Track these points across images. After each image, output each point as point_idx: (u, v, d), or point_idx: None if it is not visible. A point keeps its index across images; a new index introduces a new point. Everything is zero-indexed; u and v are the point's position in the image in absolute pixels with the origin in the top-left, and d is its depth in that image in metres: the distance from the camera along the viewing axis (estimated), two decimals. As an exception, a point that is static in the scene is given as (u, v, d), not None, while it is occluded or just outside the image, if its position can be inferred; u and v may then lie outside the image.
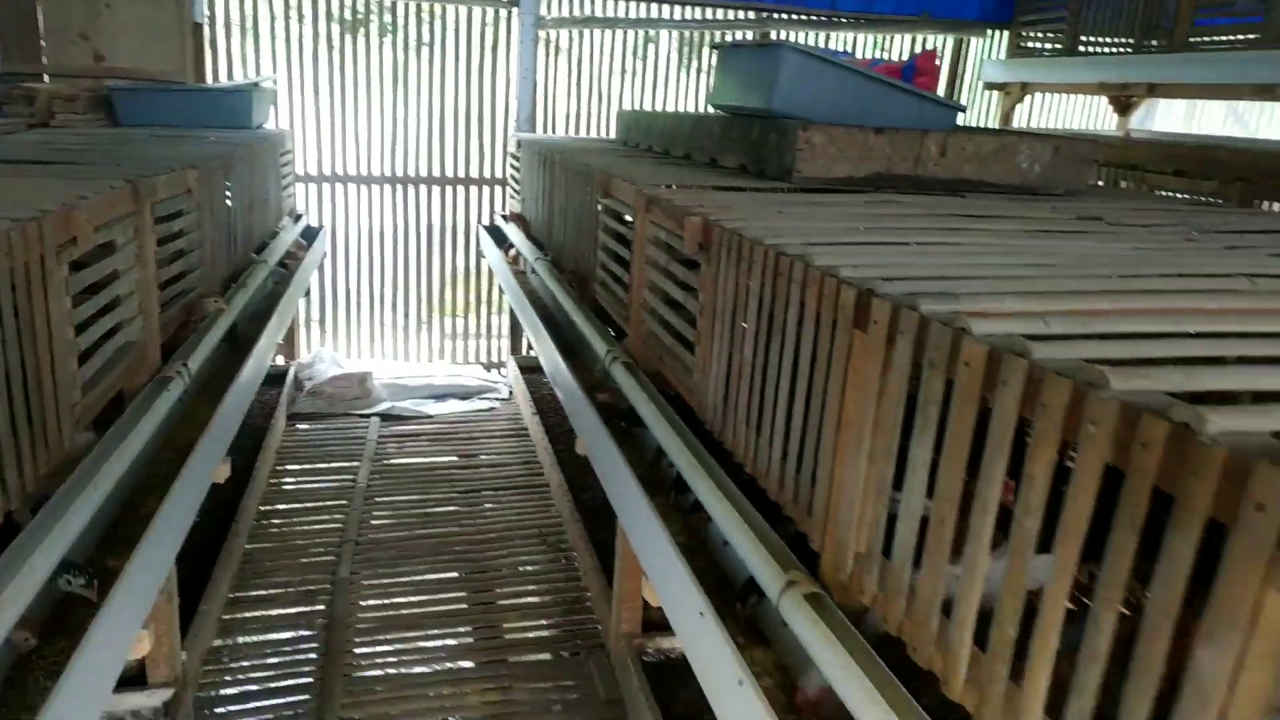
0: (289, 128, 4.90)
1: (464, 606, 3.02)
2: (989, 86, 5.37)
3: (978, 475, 0.98)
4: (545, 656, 2.76)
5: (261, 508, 3.59)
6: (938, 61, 2.76)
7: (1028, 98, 5.52)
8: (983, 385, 0.96)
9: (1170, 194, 3.97)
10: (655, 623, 2.37)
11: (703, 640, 1.39)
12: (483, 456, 4.18)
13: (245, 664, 2.69)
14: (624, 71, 5.43)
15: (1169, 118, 6.53)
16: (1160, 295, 1.20)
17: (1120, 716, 0.77)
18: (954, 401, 1.01)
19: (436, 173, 5.33)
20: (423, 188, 5.34)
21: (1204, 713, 0.69)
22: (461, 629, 2.90)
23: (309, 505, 3.67)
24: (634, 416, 2.14)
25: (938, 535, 1.04)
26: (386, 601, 3.04)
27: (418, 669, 2.71)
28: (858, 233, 1.70)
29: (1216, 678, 0.68)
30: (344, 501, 3.69)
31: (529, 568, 3.25)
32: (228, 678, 2.63)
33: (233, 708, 2.53)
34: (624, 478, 1.88)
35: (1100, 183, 4.26)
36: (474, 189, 5.40)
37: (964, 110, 2.73)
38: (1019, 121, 5.46)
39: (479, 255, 5.37)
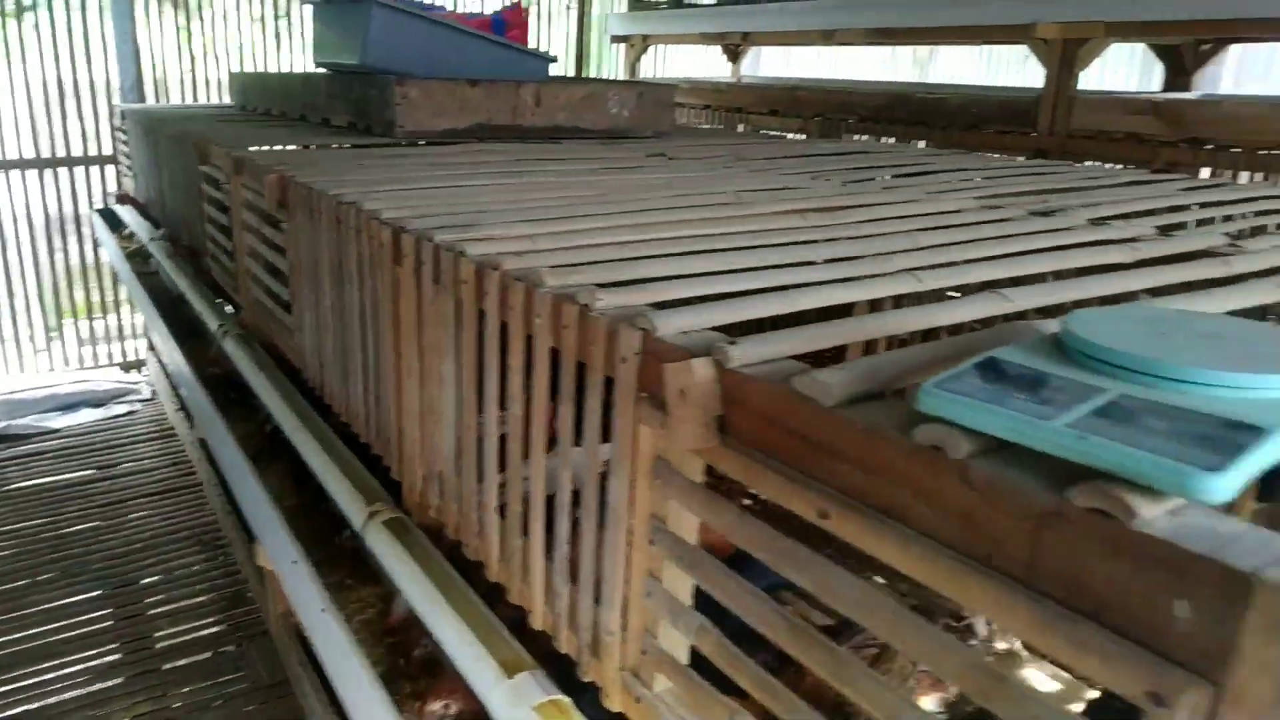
0: None
1: (109, 624, 2.79)
2: (615, 39, 5.69)
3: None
4: (204, 656, 2.64)
5: None
6: (524, 15, 2.90)
7: (652, 49, 5.92)
8: (476, 299, 1.08)
9: (768, 131, 4.49)
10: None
11: (299, 585, 1.43)
12: (125, 465, 3.83)
13: None
14: (240, 30, 5.09)
15: (773, 64, 7.31)
16: (654, 213, 1.40)
17: (579, 550, 0.93)
18: (461, 318, 1.12)
19: (30, 154, 4.68)
20: (14, 173, 4.67)
21: (618, 528, 0.85)
22: (108, 647, 2.68)
23: (-93, 550, 3.18)
24: (249, 389, 2.10)
25: (466, 440, 1.16)
26: (14, 636, 2.74)
27: (56, 698, 2.48)
28: (427, 179, 1.78)
29: (621, 499, 0.84)
30: (-46, 539, 3.24)
31: (184, 571, 3.06)
32: None
33: None
34: (228, 446, 1.84)
35: (722, 125, 4.70)
36: (81, 170, 4.82)
37: (554, 60, 2.90)
38: (646, 72, 5.85)
39: (96, 244, 4.83)
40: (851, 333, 0.75)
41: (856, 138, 3.98)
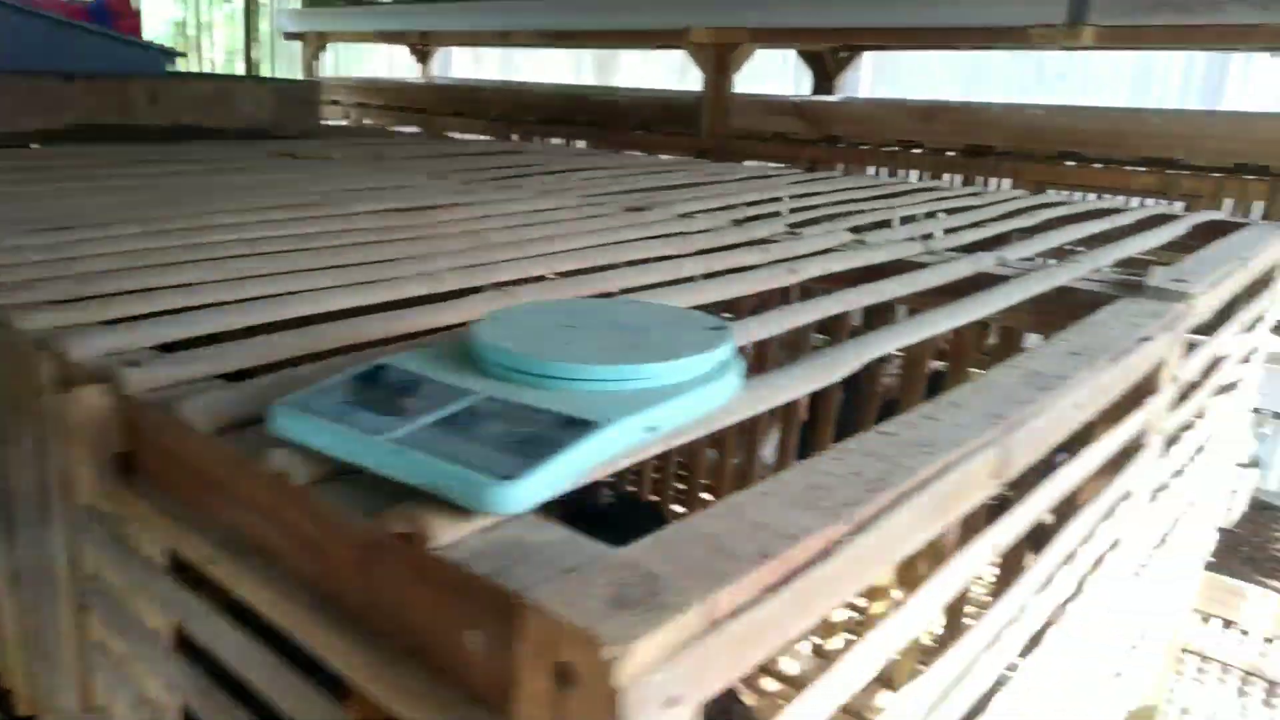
0: None
1: None
2: (288, 37, 5.32)
3: None
4: None
5: None
6: (134, 4, 2.59)
7: (332, 46, 5.61)
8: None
9: (450, 132, 4.37)
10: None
11: None
12: None
13: None
14: None
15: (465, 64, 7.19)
16: (212, 215, 1.25)
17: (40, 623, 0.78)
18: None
19: None
20: None
21: (60, 594, 0.72)
22: None
23: None
24: None
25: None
26: None
27: None
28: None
29: (58, 559, 0.71)
30: None
31: None
32: None
33: None
34: None
35: (417, 128, 4.44)
36: None
37: (181, 55, 2.61)
38: (326, 71, 5.53)
39: None
40: (303, 344, 0.67)
41: (540, 139, 3.98)
